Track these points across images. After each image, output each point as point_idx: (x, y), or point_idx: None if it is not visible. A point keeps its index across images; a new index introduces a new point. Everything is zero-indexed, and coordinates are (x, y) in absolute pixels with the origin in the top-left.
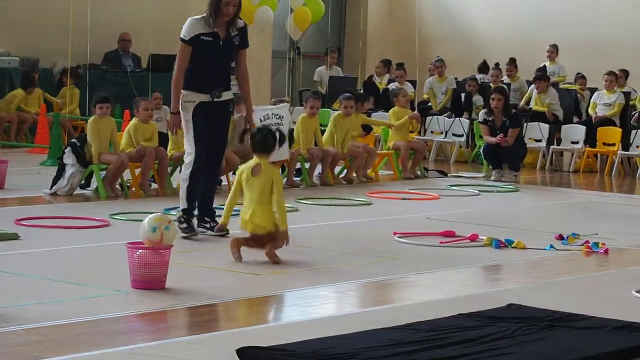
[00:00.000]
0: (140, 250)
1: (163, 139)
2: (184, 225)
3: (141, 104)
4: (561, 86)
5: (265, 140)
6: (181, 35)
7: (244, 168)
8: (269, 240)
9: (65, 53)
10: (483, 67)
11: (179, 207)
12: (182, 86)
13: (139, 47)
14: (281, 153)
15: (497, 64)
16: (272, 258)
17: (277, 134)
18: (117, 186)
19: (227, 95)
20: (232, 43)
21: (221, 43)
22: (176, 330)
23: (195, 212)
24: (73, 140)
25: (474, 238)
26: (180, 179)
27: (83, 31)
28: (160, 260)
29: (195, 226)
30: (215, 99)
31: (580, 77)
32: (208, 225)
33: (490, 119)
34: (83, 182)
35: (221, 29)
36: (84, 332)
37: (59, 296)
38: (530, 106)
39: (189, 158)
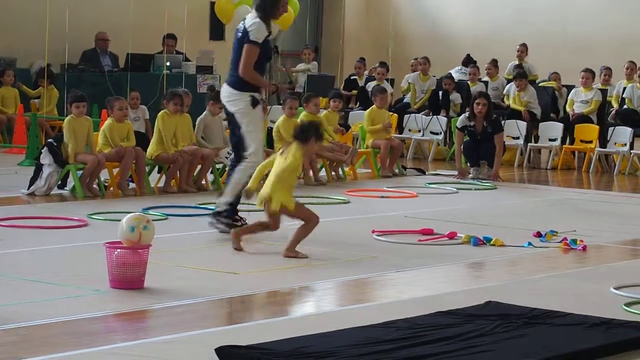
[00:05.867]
0: (119, 250)
1: (141, 139)
2: (228, 220)
3: (115, 103)
4: (540, 84)
5: (301, 129)
6: (254, 38)
7: (282, 146)
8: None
9: (43, 53)
10: (467, 61)
11: (225, 200)
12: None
13: (116, 47)
14: None
15: (474, 62)
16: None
17: (318, 127)
18: (94, 186)
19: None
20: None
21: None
22: (155, 329)
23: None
24: (50, 140)
25: (452, 236)
26: (241, 173)
27: (61, 31)
28: (138, 260)
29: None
30: (262, 97)
31: (553, 74)
32: (239, 223)
33: (471, 124)
34: (60, 182)
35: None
36: (62, 332)
37: (37, 296)
38: (508, 104)
39: (259, 157)
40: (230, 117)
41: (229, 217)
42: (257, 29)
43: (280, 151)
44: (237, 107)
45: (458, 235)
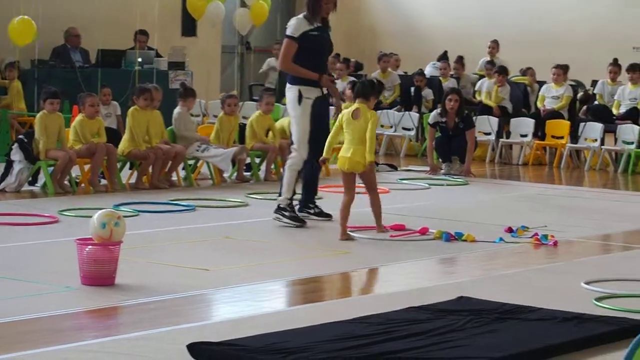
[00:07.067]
0: (90, 247)
1: (112, 135)
2: (293, 213)
3: (87, 99)
4: (511, 79)
5: (364, 86)
6: (289, 33)
7: (345, 112)
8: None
9: (13, 49)
10: (443, 57)
11: (278, 195)
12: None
13: (87, 42)
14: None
15: (446, 57)
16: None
17: (375, 82)
18: (65, 182)
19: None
20: (329, 36)
21: (324, 36)
22: (126, 326)
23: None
24: (20, 136)
25: (424, 231)
26: (289, 167)
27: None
28: (109, 256)
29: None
30: (324, 93)
31: (528, 69)
32: (312, 211)
33: (443, 120)
34: (30, 178)
35: (320, 24)
36: (32, 329)
37: (7, 293)
38: (480, 100)
39: (302, 151)
40: None
41: (293, 210)
42: (293, 24)
43: (348, 115)
44: (287, 100)
45: (430, 230)
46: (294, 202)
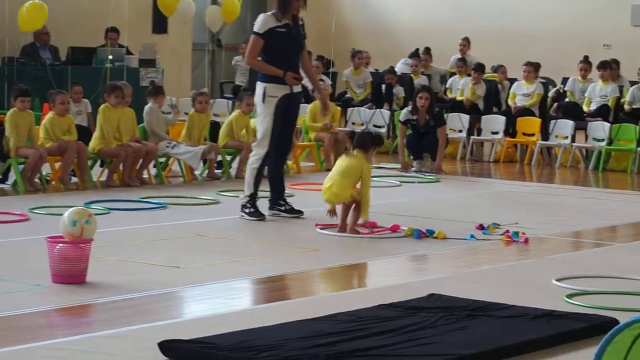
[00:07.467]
0: (60, 245)
1: (83, 133)
2: (252, 209)
3: (57, 97)
4: (483, 77)
5: (363, 138)
6: (255, 29)
7: (342, 157)
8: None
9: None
10: (414, 55)
11: (242, 192)
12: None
13: (58, 40)
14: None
15: (417, 54)
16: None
17: (374, 135)
18: (36, 180)
19: (299, 87)
20: (300, 34)
21: (293, 33)
22: (97, 324)
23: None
24: None
25: (395, 229)
26: (249, 165)
27: (1, 23)
28: (80, 254)
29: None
30: (295, 91)
31: (500, 67)
32: (283, 208)
33: (414, 117)
34: (1, 176)
35: (289, 21)
36: (3, 327)
37: None
38: (453, 96)
39: (262, 148)
40: None
41: (254, 206)
42: (259, 21)
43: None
44: (255, 96)
45: (401, 228)
46: (257, 200)
